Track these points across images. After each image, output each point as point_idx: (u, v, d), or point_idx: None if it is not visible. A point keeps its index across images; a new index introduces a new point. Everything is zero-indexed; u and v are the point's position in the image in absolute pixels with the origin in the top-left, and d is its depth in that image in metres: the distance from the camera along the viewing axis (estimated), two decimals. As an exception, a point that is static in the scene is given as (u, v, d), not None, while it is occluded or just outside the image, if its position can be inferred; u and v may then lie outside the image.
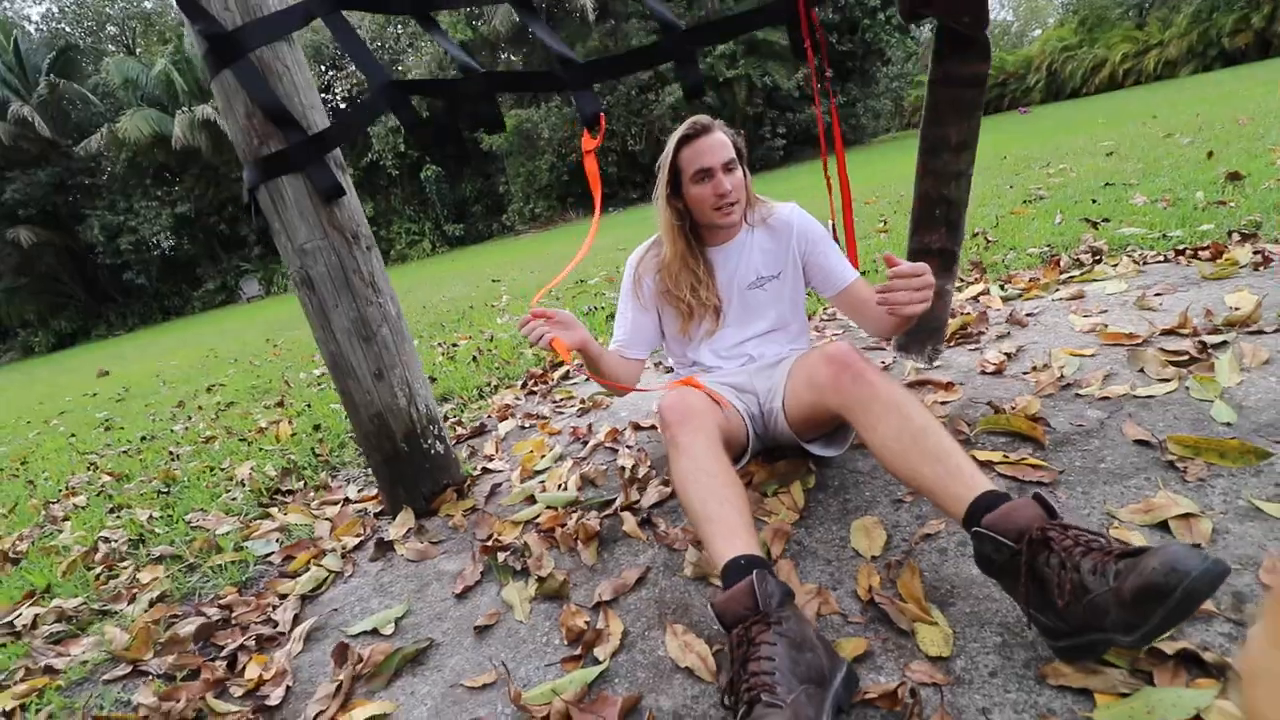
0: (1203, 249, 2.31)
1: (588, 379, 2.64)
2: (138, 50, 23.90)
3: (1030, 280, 2.46)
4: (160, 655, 1.36)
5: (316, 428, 2.82)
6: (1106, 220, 3.03)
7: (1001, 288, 2.48)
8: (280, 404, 3.62)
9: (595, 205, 1.41)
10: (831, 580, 1.12)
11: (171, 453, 3.10)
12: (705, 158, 1.36)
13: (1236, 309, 1.72)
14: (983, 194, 4.72)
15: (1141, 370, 1.55)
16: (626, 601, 1.21)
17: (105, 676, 1.33)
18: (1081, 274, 2.40)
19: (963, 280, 2.67)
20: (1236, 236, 2.34)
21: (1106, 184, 3.91)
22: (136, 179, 21.88)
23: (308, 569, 1.61)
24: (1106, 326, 1.84)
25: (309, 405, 3.38)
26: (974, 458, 1.32)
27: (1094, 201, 3.51)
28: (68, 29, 21.18)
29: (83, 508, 2.52)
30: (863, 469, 1.43)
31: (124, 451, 3.48)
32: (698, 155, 1.36)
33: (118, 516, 2.28)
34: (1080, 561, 0.79)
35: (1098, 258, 2.54)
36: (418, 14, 1.51)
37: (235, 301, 24.09)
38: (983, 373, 1.76)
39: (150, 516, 2.18)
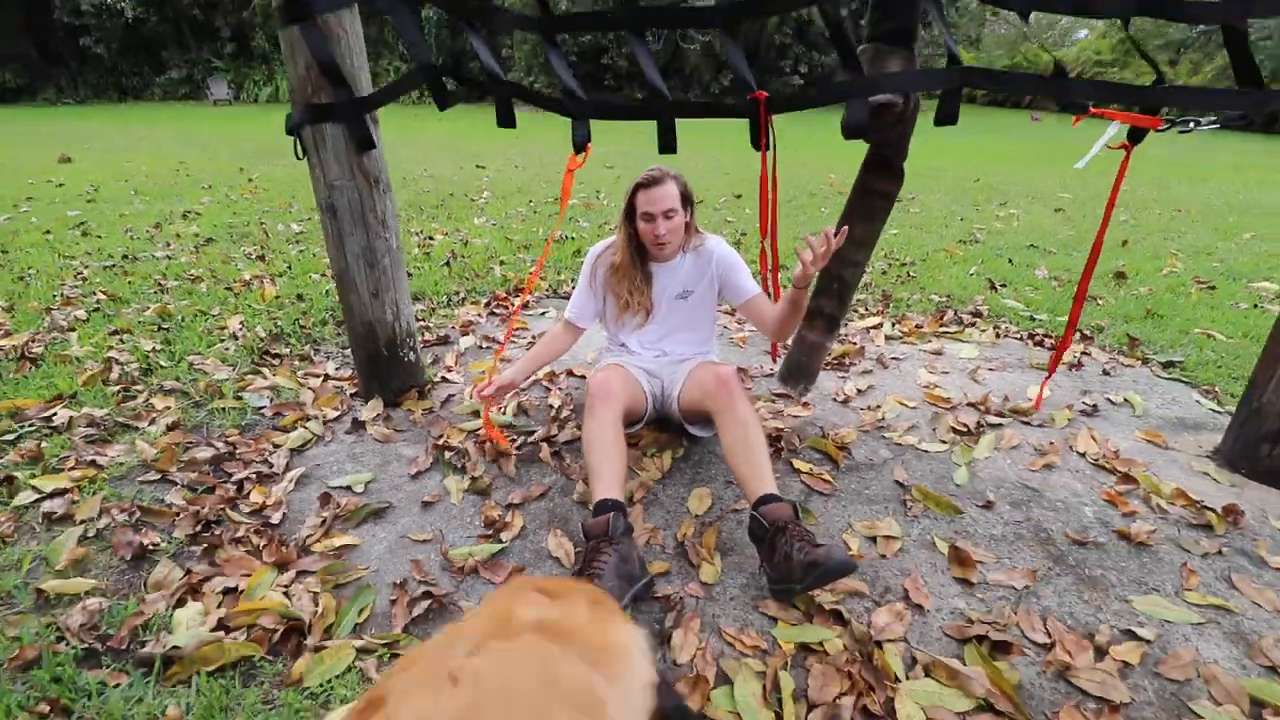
0: (1049, 337, 2.90)
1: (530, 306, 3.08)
2: None
3: (915, 326, 3.01)
4: (182, 471, 1.83)
5: (300, 297, 3.19)
6: (1004, 285, 3.57)
7: (893, 325, 3.02)
8: (262, 258, 3.91)
9: (560, 213, 1.82)
10: (664, 524, 1.68)
11: (159, 283, 3.41)
12: (651, 205, 1.79)
13: (1028, 399, 2.31)
14: (933, 220, 5.19)
15: (934, 429, 2.13)
16: (529, 507, 1.75)
17: (140, 479, 1.81)
18: (954, 331, 2.96)
19: (867, 310, 3.19)
20: (1077, 335, 2.93)
21: (1030, 245, 4.45)
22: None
23: (295, 428, 2.08)
24: (937, 387, 2.41)
25: (289, 267, 3.71)
26: (792, 465, 1.89)
27: (1010, 261, 4.04)
28: None
29: (84, 321, 2.87)
30: (718, 454, 1.99)
31: (108, 266, 3.75)
32: (648, 201, 1.80)
33: (121, 340, 2.66)
34: (794, 544, 1.37)
35: (974, 320, 3.10)
36: (463, 15, 1.81)
37: (199, 99, 22.56)
38: (834, 400, 2.31)
39: (154, 349, 2.58)
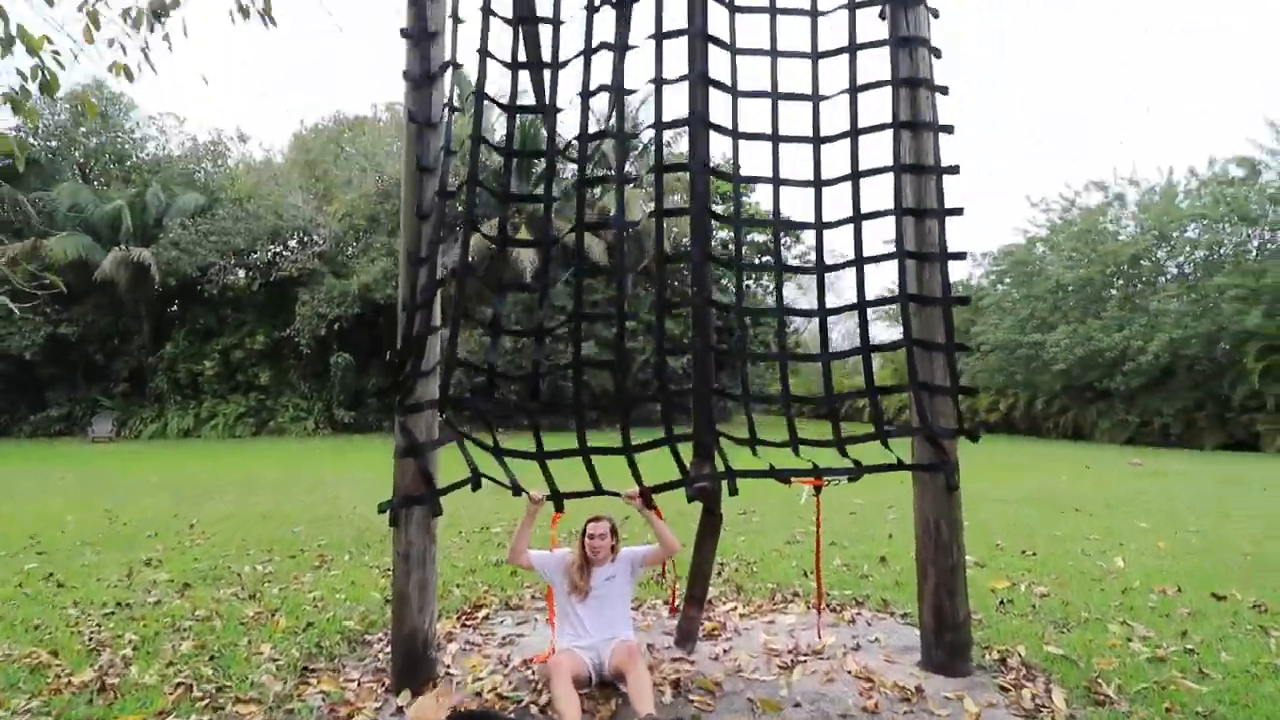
0: (837, 606, 4.50)
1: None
2: (95, 182, 24.88)
3: (757, 606, 4.51)
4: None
5: (309, 625, 4.13)
6: (811, 572, 5.27)
7: (743, 606, 4.49)
8: (253, 597, 4.77)
9: (552, 543, 3.29)
10: (618, 739, 2.82)
11: (172, 625, 4.18)
12: (592, 532, 3.33)
13: (820, 642, 3.77)
14: (768, 527, 7.06)
15: (769, 666, 3.49)
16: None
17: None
18: (780, 607, 4.48)
19: (725, 598, 4.68)
20: (854, 599, 4.56)
21: (831, 543, 6.35)
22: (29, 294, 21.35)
23: (351, 718, 3.02)
24: (770, 643, 3.82)
25: (284, 602, 4.61)
26: (687, 697, 3.15)
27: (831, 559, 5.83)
28: (33, 142, 22.13)
29: (132, 659, 3.61)
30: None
31: (109, 614, 4.43)
32: (591, 527, 3.34)
33: (178, 669, 3.46)
34: None
35: (793, 598, 4.67)
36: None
37: (75, 435, 22.34)
38: (710, 659, 3.63)
39: (212, 673, 3.41)
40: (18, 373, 22.33)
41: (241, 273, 23.12)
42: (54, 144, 23.67)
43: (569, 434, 3.46)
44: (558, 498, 3.35)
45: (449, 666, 3.56)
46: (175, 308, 24.72)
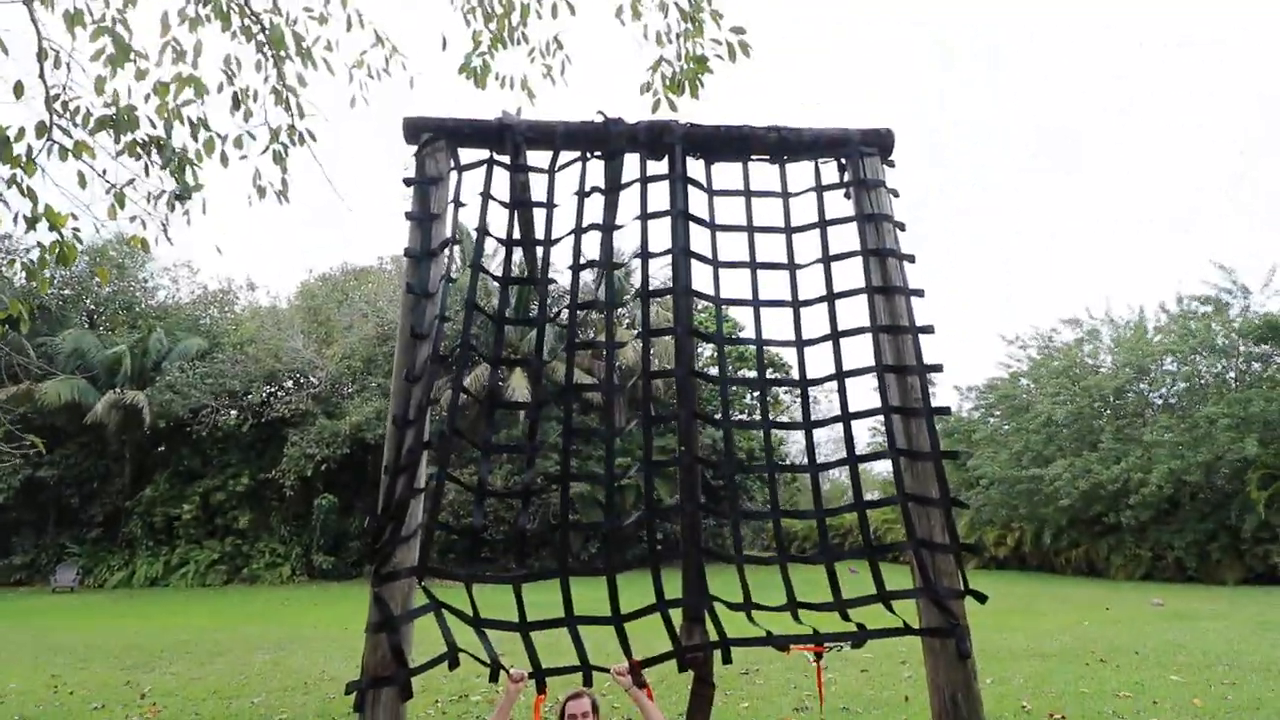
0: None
1: None
2: (101, 328, 25.49)
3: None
4: None
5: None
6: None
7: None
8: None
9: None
10: None
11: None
12: (574, 709, 3.05)
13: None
14: (773, 689, 6.52)
15: None
16: None
17: None
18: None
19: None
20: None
21: (844, 707, 5.82)
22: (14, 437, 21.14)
23: None
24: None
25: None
26: None
27: (829, 721, 5.33)
28: (48, 292, 23.00)
29: None
30: None
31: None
32: (570, 706, 3.07)
33: None
34: None
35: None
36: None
37: (35, 583, 21.07)
38: None
39: None
40: (-13, 518, 21.54)
41: (233, 413, 23.01)
42: (66, 292, 24.49)
43: (555, 591, 3.27)
44: (540, 675, 3.11)
45: None
46: (161, 449, 24.33)
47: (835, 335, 3.80)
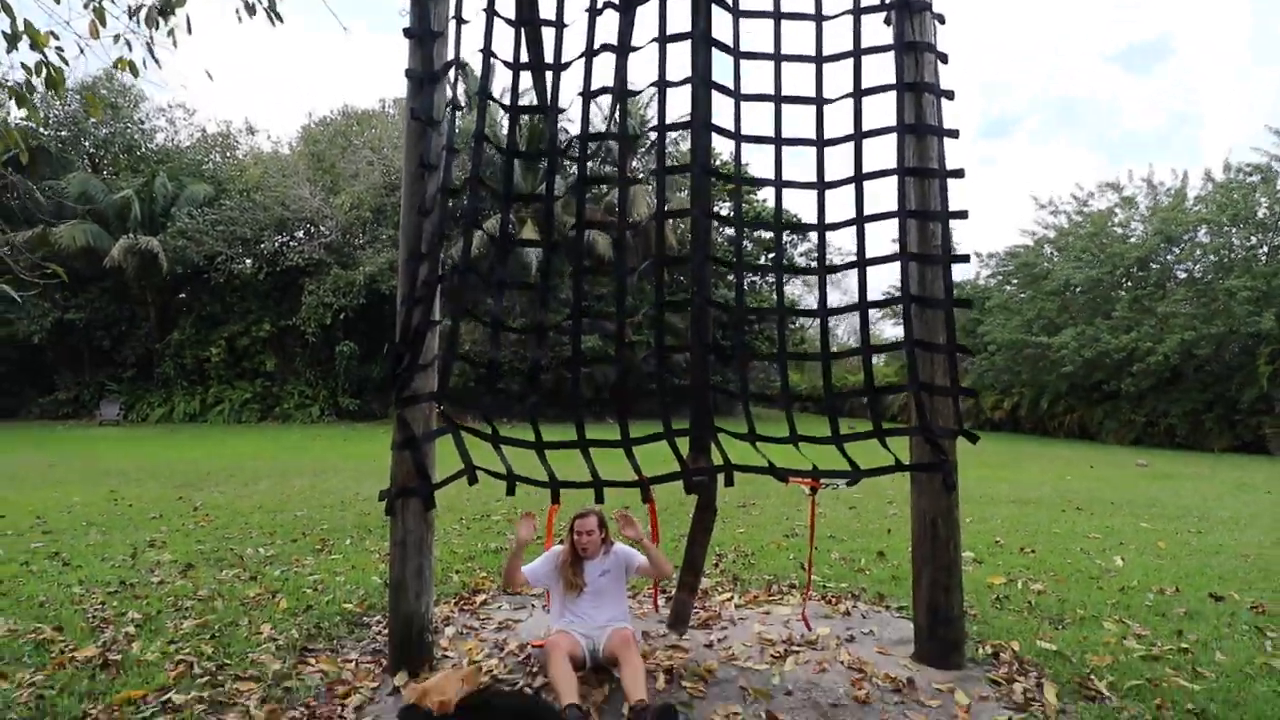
0: (835, 598, 4.51)
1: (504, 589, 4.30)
2: (105, 172, 25.05)
3: (753, 596, 4.53)
4: (289, 725, 2.77)
5: (309, 608, 4.18)
6: (809, 570, 5.29)
7: (739, 597, 4.52)
8: (254, 579, 4.83)
9: (548, 536, 3.31)
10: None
11: (175, 604, 4.24)
12: (581, 528, 3.36)
13: (815, 634, 3.80)
14: (767, 520, 7.09)
15: (762, 655, 3.52)
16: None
17: (261, 731, 2.72)
18: (777, 598, 4.51)
19: (722, 588, 4.71)
20: (850, 593, 4.58)
21: (830, 535, 6.36)
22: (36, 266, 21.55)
23: (350, 695, 3.07)
24: (764, 634, 3.85)
25: (286, 583, 4.67)
26: (680, 684, 3.18)
27: (815, 548, 5.84)
28: (43, 131, 22.29)
29: (134, 636, 3.67)
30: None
31: (113, 592, 4.49)
32: (578, 524, 3.37)
33: (179, 647, 3.52)
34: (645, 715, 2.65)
35: (790, 589, 4.69)
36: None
37: (82, 418, 22.58)
38: (704, 645, 3.67)
39: (212, 651, 3.47)
40: (26, 357, 22.58)
41: (249, 261, 23.28)
42: (64, 134, 23.79)
43: (569, 427, 3.48)
44: (555, 487, 3.37)
45: (446, 649, 3.61)
46: (183, 296, 24.97)
47: (859, 178, 3.65)
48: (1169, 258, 20.75)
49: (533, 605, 4.31)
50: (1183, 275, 20.99)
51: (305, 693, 3.08)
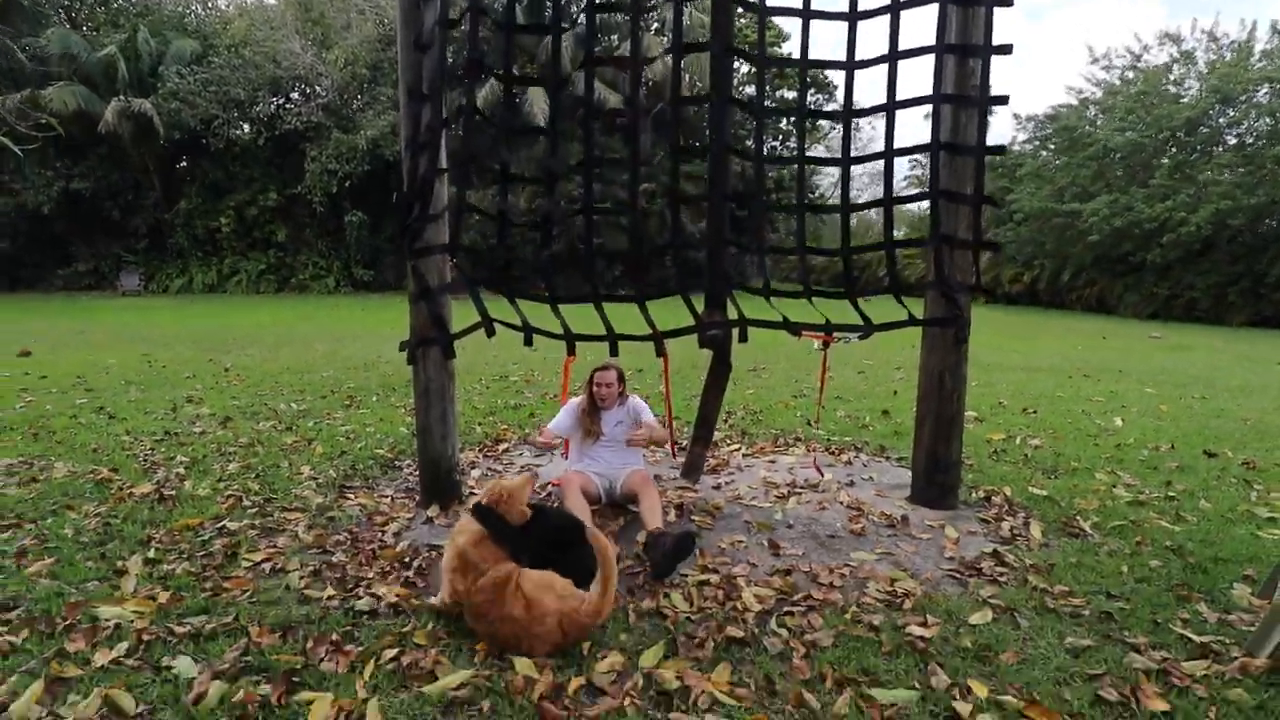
0: (839, 449, 4.73)
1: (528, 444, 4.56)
2: (84, 28, 23.49)
3: (760, 447, 4.76)
4: (335, 547, 3.06)
5: (343, 453, 4.46)
6: (818, 421, 5.49)
7: (747, 448, 4.75)
8: (289, 429, 5.12)
9: (564, 389, 3.43)
10: (624, 544, 3.12)
11: (218, 449, 4.54)
12: (599, 379, 3.47)
13: (818, 478, 4.03)
14: (777, 383, 7.26)
15: (767, 495, 3.76)
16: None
17: (309, 551, 3.01)
18: (782, 449, 4.73)
19: (731, 441, 4.94)
20: (854, 446, 4.79)
21: (837, 396, 6.54)
22: (37, 147, 21.01)
23: (388, 524, 3.35)
24: (769, 477, 4.08)
25: (320, 433, 4.96)
26: (690, 517, 3.42)
27: (823, 406, 6.04)
28: (13, -18, 20.73)
29: (184, 477, 3.97)
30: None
31: (159, 440, 4.80)
32: (598, 376, 3.48)
33: (226, 485, 3.81)
34: (664, 541, 2.87)
35: (796, 442, 4.91)
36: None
37: (104, 289, 22.96)
38: (713, 487, 3.91)
39: (259, 488, 3.76)
40: (37, 229, 22.53)
41: (246, 126, 22.41)
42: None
43: (579, 311, 3.48)
44: (570, 339, 3.44)
45: (473, 487, 3.88)
46: (183, 164, 24.35)
47: (895, 7, 3.33)
48: (1221, 120, 19.32)
49: (553, 454, 4.56)
50: (1233, 141, 19.65)
51: (347, 521, 3.37)
